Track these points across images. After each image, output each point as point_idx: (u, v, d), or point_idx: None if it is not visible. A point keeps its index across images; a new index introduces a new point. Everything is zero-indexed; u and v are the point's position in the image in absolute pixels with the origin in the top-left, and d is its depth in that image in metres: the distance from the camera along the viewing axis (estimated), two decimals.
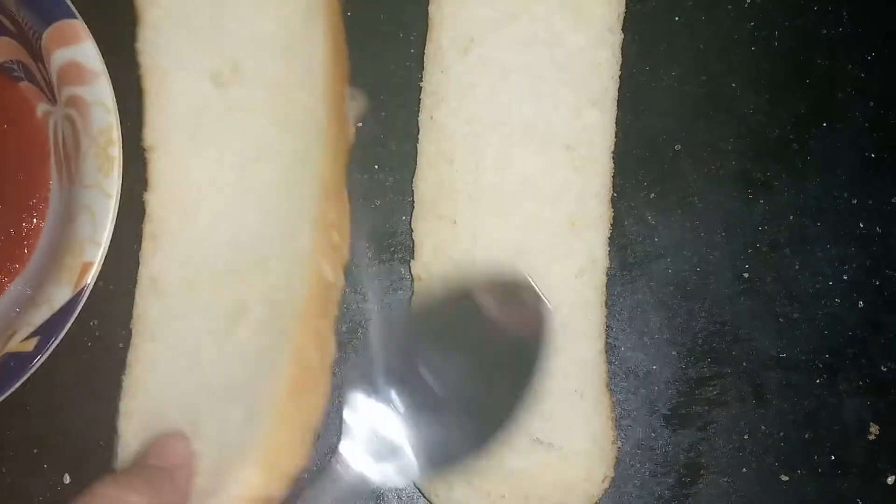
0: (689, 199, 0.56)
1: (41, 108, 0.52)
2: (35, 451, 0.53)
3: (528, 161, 0.52)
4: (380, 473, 0.47)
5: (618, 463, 0.51)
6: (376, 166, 0.56)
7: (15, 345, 0.47)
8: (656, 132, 0.56)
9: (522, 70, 0.53)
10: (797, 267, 0.55)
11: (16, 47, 0.51)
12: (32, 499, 0.53)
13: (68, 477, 0.53)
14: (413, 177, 0.54)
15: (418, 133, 0.54)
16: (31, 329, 0.47)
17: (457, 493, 0.51)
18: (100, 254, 0.47)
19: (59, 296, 0.47)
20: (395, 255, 0.55)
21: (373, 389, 0.48)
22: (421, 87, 0.54)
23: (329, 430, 0.52)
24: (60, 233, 0.49)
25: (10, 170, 0.52)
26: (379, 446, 0.47)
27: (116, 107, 0.48)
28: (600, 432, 0.51)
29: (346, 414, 0.47)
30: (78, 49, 0.48)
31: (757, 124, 0.56)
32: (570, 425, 0.51)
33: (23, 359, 0.47)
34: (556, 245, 0.52)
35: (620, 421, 0.53)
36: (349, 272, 0.55)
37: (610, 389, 0.51)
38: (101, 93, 0.48)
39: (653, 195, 0.56)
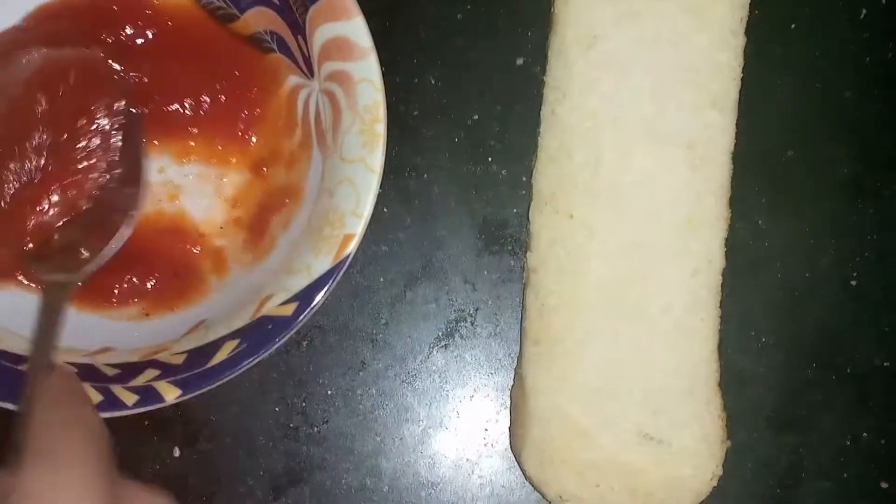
0: (799, 205, 0.56)
1: (291, 79, 0.52)
2: (146, 422, 0.54)
3: (648, 158, 0.53)
4: None
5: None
6: (490, 159, 0.56)
7: (272, 307, 0.47)
8: (770, 137, 0.56)
9: (644, 68, 0.53)
10: None
11: (274, 18, 0.51)
12: (141, 470, 0.53)
13: (178, 450, 0.54)
14: (525, 170, 0.55)
15: (533, 127, 0.54)
16: (288, 295, 0.47)
17: (566, 484, 0.51)
18: (361, 226, 0.47)
19: (318, 265, 0.47)
20: (506, 248, 0.56)
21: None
22: (537, 82, 0.55)
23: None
24: (318, 204, 0.49)
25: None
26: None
27: (383, 85, 0.48)
28: (711, 430, 0.51)
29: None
30: (347, 24, 0.48)
31: (869, 133, 0.57)
32: (680, 422, 0.51)
33: (280, 323, 0.47)
34: (672, 243, 0.52)
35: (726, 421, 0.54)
36: (459, 262, 0.55)
37: (720, 389, 0.52)
38: (369, 69, 0.48)
39: (764, 199, 0.56)
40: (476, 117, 0.57)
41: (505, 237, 0.56)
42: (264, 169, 0.53)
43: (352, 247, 0.47)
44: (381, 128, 0.48)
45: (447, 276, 0.55)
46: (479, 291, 0.56)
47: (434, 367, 0.55)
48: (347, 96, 0.49)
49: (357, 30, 0.49)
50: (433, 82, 0.57)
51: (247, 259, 0.52)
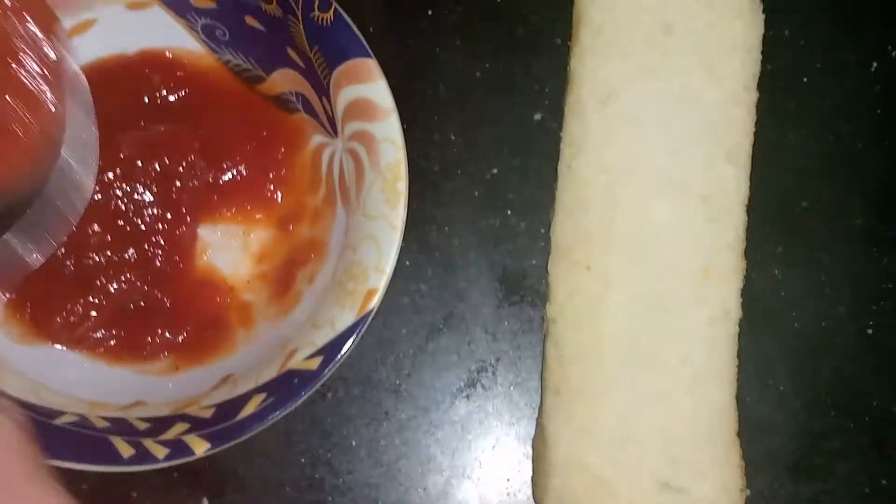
0: (815, 255, 0.57)
1: (316, 138, 0.54)
2: (175, 474, 0.55)
3: (664, 210, 0.54)
4: None
5: None
6: (509, 211, 0.58)
7: (298, 361, 0.48)
8: (785, 188, 0.57)
9: (659, 122, 0.55)
10: None
11: (300, 80, 0.53)
12: None
13: (206, 501, 0.55)
14: (543, 222, 0.56)
15: (550, 180, 0.56)
16: (313, 349, 0.48)
17: None
18: (384, 281, 0.48)
19: (343, 319, 0.48)
20: (525, 298, 0.57)
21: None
22: (554, 137, 0.56)
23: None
24: (342, 259, 0.51)
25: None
26: None
27: (404, 143, 0.49)
28: (730, 479, 0.52)
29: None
30: (370, 87, 0.50)
31: (882, 184, 0.58)
32: (699, 471, 0.52)
33: (306, 376, 0.48)
34: (689, 293, 0.53)
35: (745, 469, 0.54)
36: (480, 313, 0.57)
37: (739, 437, 0.52)
38: (391, 130, 0.50)
39: (780, 249, 0.57)
40: (495, 171, 0.58)
41: (524, 288, 0.57)
42: (290, 226, 0.55)
43: (375, 301, 0.49)
44: (402, 186, 0.50)
45: (468, 327, 0.57)
46: (500, 342, 0.57)
47: (456, 417, 0.56)
48: (370, 155, 0.51)
49: (379, 92, 0.51)
50: (453, 138, 0.59)
51: (273, 313, 0.54)
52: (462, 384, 0.56)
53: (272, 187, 0.55)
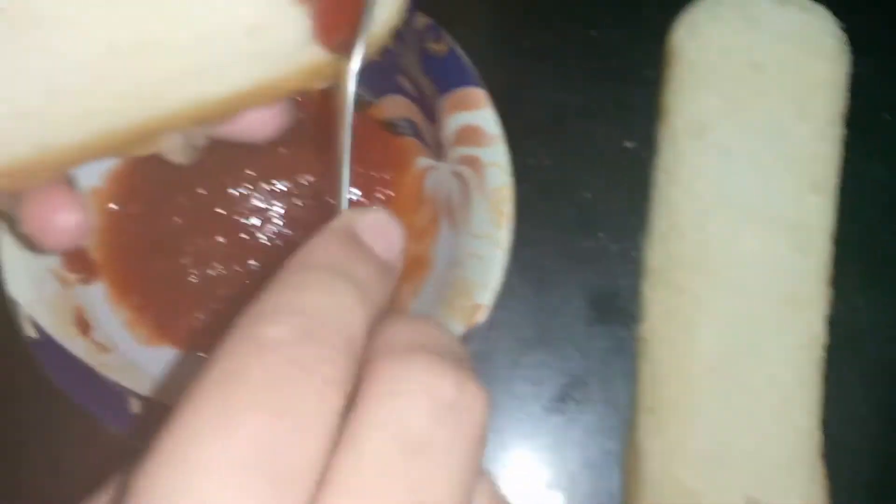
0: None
1: (421, 161, 0.57)
2: None
3: (753, 239, 0.57)
4: None
5: None
6: (600, 234, 0.61)
7: None
8: (868, 219, 0.60)
9: (749, 155, 0.58)
10: None
11: (408, 106, 0.57)
12: None
13: None
14: (634, 244, 0.59)
15: (641, 205, 0.59)
16: None
17: None
18: (490, 297, 0.51)
19: None
20: (616, 318, 0.60)
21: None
22: (644, 164, 0.59)
23: None
24: (448, 275, 0.54)
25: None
26: None
27: (510, 167, 0.53)
28: (814, 498, 0.54)
29: None
30: (478, 114, 0.53)
31: None
32: (785, 490, 0.54)
33: None
34: (776, 319, 0.56)
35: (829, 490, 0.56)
36: (572, 331, 0.59)
37: (823, 458, 0.55)
38: (497, 155, 0.53)
39: (863, 278, 0.59)
40: (588, 195, 0.61)
41: (615, 308, 0.60)
42: None
43: (481, 316, 0.52)
44: (508, 207, 0.53)
45: (560, 344, 0.59)
46: (591, 360, 0.59)
47: (548, 430, 0.58)
48: (477, 178, 0.54)
49: (487, 119, 0.54)
50: (548, 162, 0.62)
51: None
52: (554, 398, 0.59)
53: (378, 207, 0.58)
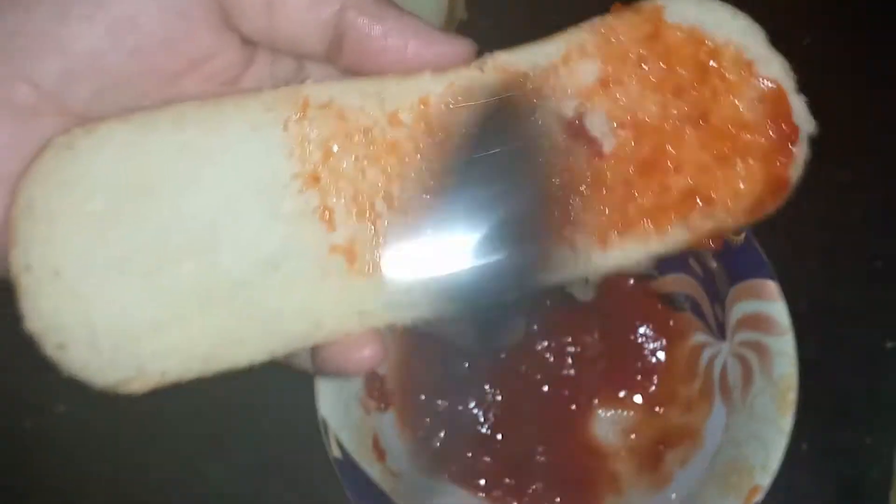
0: None
1: (697, 336, 0.61)
2: None
3: None
4: None
5: None
6: (857, 426, 0.63)
7: None
8: None
9: None
10: None
11: (693, 285, 0.61)
12: None
13: None
14: (887, 440, 0.61)
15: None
16: None
17: None
18: (768, 480, 0.53)
19: None
20: None
21: None
22: None
23: None
24: (723, 452, 0.57)
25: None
26: None
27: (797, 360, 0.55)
28: None
29: None
30: (769, 304, 0.56)
31: None
32: None
33: None
34: None
35: None
36: None
37: None
38: (786, 345, 0.56)
39: None
40: (844, 388, 0.63)
41: (866, 498, 0.61)
42: (659, 408, 0.61)
43: (759, 497, 0.54)
44: (793, 396, 0.55)
45: None
46: None
47: None
48: (762, 364, 0.56)
49: (779, 310, 0.57)
50: (812, 358, 0.64)
51: (643, 486, 0.59)
52: None
53: (647, 372, 0.62)
